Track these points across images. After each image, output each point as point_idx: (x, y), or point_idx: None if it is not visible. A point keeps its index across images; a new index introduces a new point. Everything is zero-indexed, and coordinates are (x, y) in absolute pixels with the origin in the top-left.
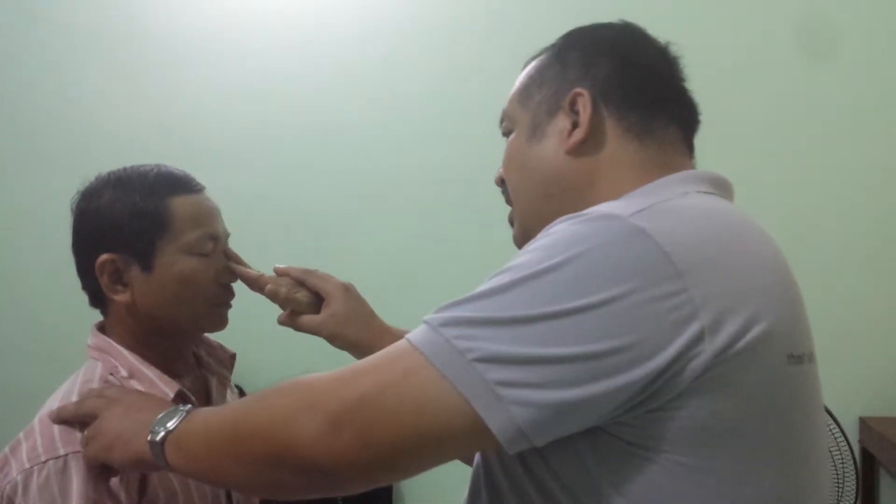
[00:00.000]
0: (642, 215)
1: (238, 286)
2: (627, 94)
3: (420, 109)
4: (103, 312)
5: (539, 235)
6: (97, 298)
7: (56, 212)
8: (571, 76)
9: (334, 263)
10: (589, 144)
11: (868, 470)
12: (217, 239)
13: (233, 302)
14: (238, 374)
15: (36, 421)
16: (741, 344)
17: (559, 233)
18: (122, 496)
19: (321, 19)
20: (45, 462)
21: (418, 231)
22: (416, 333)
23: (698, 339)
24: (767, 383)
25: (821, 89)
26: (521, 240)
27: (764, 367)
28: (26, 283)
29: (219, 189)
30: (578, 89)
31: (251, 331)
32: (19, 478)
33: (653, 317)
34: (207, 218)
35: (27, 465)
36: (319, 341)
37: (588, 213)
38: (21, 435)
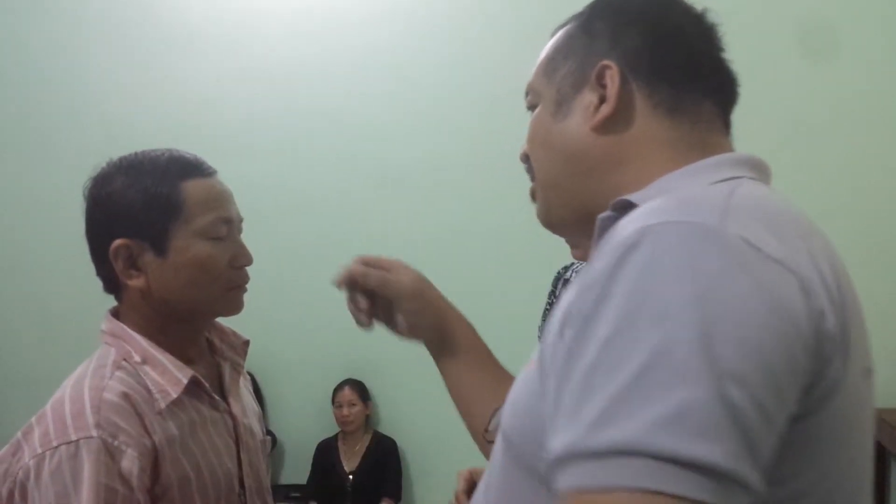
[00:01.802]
0: (741, 226)
1: (251, 270)
2: (658, 66)
3: (434, 97)
4: (118, 298)
5: (613, 255)
6: (112, 284)
7: (65, 198)
8: (598, 48)
9: (346, 250)
10: (616, 121)
11: (879, 462)
12: (230, 222)
13: (254, 292)
14: (250, 362)
15: (48, 406)
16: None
17: (647, 262)
18: (134, 481)
19: (335, 4)
20: (56, 447)
21: (431, 218)
22: (581, 476)
23: None
24: (849, 401)
25: (821, 89)
26: (545, 218)
27: (849, 383)
28: (35, 270)
29: (230, 175)
30: (606, 62)
31: (264, 318)
32: (31, 463)
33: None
34: (220, 201)
35: (39, 451)
36: (332, 330)
37: (671, 221)
38: (33, 420)
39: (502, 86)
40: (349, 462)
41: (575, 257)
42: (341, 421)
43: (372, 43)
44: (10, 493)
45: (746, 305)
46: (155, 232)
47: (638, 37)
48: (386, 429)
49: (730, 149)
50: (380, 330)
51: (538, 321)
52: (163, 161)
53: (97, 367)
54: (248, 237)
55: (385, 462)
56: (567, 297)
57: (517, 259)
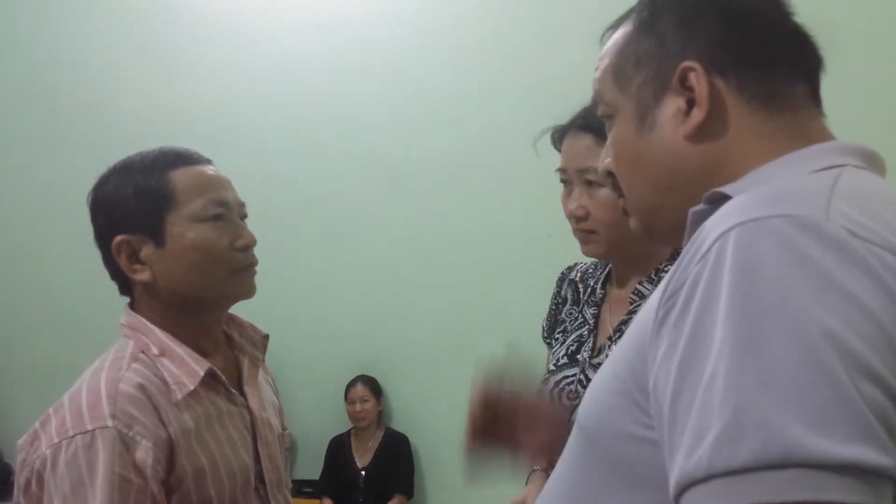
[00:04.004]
0: (846, 217)
1: (263, 266)
2: (741, 55)
3: (444, 96)
4: (131, 297)
5: (710, 258)
6: (124, 285)
7: (78, 194)
8: (672, 49)
9: (357, 247)
10: (710, 124)
11: None
12: (225, 204)
13: (266, 289)
14: (268, 356)
15: (65, 397)
16: None
17: (751, 262)
18: (149, 472)
19: (346, 2)
20: (72, 437)
21: (439, 216)
22: (723, 498)
23: None
24: None
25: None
26: (645, 234)
27: None
28: (48, 265)
29: (242, 171)
30: (686, 63)
31: (276, 314)
32: (48, 452)
33: None
34: (212, 185)
35: (56, 440)
36: (344, 326)
37: (769, 216)
38: (51, 410)
39: (510, 85)
40: (362, 458)
41: (586, 254)
42: (354, 417)
43: (383, 41)
44: (28, 482)
45: (865, 299)
46: (150, 223)
47: (712, 28)
48: (398, 425)
49: (831, 137)
50: (391, 326)
51: (541, 320)
52: (152, 156)
53: (115, 358)
54: (260, 233)
55: (397, 458)
56: (656, 298)
57: (521, 258)
